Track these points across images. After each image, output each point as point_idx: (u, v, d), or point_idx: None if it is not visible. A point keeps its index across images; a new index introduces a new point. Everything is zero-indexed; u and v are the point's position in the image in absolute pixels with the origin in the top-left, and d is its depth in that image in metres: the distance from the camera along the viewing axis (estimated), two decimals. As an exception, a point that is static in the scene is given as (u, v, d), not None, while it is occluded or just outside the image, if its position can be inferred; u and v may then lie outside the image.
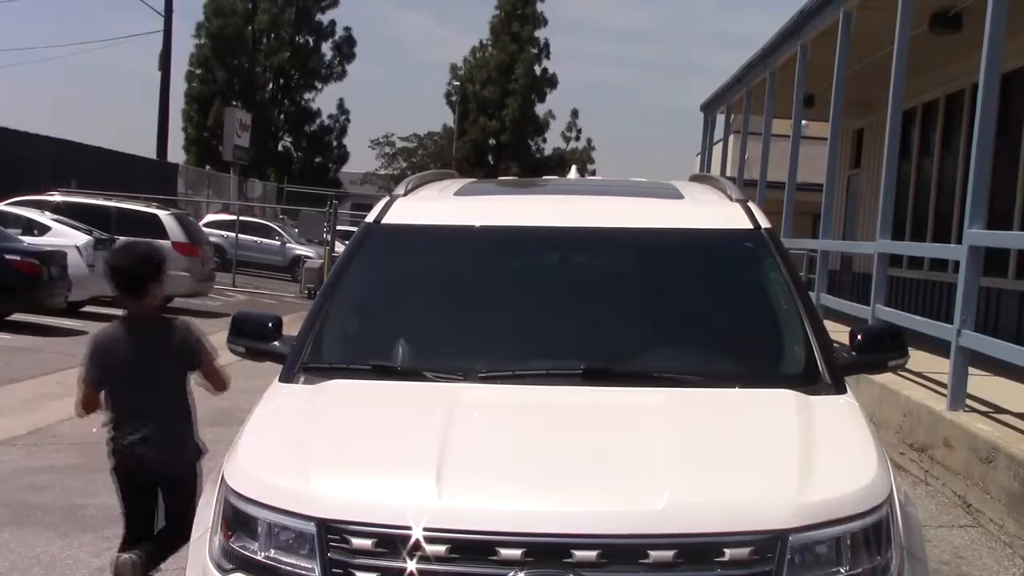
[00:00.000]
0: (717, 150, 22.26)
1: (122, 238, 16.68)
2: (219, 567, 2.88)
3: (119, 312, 4.44)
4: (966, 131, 13.05)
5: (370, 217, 4.27)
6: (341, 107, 54.45)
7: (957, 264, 8.28)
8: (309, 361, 3.65)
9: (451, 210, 4.42)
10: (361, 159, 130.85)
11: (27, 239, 15.16)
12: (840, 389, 3.51)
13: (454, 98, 55.65)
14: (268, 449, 3.16)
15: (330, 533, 2.72)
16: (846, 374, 3.68)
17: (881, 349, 3.89)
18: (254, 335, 3.95)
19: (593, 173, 48.45)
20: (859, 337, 3.87)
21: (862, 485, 2.86)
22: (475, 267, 4.16)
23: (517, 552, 2.63)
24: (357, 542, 2.70)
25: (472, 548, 2.66)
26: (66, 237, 15.81)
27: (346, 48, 53.70)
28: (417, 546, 2.65)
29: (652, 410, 3.25)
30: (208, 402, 4.63)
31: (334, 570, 2.70)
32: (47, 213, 17.02)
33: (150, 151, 36.73)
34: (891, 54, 9.79)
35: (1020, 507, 5.94)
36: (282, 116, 53.33)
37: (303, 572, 2.73)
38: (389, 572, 2.67)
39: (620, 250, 4.22)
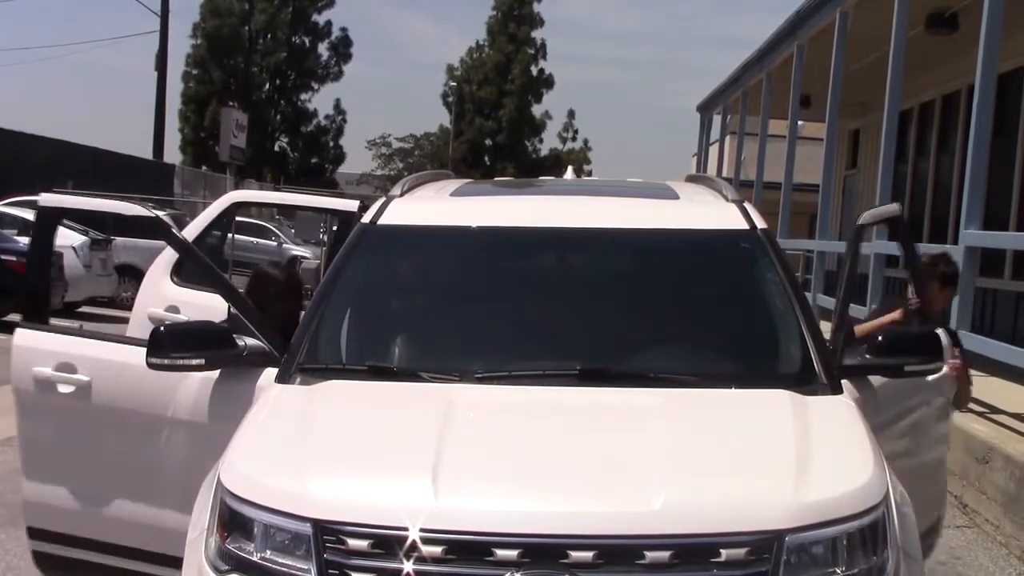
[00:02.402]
0: (714, 151, 22.29)
1: (118, 239, 16.84)
2: (215, 568, 2.87)
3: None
4: (962, 132, 13.05)
5: (366, 218, 4.25)
6: (338, 107, 54.58)
7: (953, 264, 8.26)
8: (305, 362, 3.63)
9: (447, 211, 4.41)
10: (357, 160, 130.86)
11: (23, 239, 15.12)
12: (836, 389, 3.50)
13: (451, 99, 55.71)
14: (264, 450, 3.15)
15: (326, 534, 2.72)
16: (857, 375, 3.64)
17: (905, 353, 3.67)
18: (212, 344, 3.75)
19: (590, 174, 48.51)
20: (880, 338, 3.69)
21: (858, 485, 2.86)
22: (471, 268, 4.15)
23: (513, 553, 2.62)
24: (353, 543, 2.69)
25: (468, 549, 2.65)
26: (62, 238, 15.68)
27: (342, 48, 53.77)
28: (413, 547, 2.65)
29: (648, 410, 3.24)
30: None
31: (330, 571, 2.70)
32: (43, 214, 16.98)
33: (146, 151, 36.75)
34: (887, 55, 9.81)
35: (1016, 507, 5.95)
36: (278, 116, 53.35)
37: (299, 573, 2.73)
38: (385, 573, 2.66)
39: (616, 251, 4.22)
